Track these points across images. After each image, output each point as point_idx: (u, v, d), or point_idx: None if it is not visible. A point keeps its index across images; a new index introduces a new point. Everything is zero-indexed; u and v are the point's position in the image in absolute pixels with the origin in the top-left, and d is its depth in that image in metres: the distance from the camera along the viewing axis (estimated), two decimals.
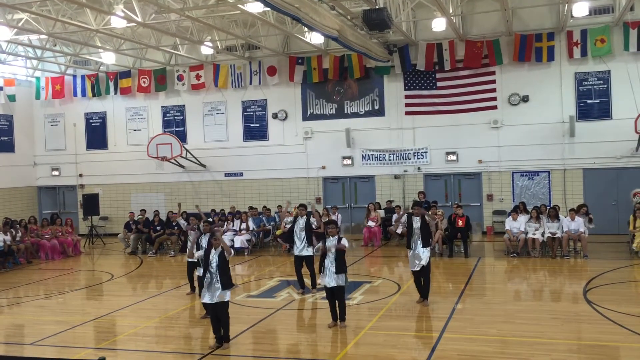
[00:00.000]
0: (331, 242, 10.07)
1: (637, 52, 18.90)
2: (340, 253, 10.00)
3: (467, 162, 20.91)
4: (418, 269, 11.27)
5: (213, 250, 9.15)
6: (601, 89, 19.64)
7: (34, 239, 19.21)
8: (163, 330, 10.47)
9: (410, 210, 11.52)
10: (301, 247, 12.52)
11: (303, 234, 12.50)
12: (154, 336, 10.15)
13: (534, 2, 18.93)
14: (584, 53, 19.46)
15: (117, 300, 12.88)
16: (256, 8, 15.61)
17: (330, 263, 9.95)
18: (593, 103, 19.73)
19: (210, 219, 12.16)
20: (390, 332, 9.78)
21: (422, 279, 11.43)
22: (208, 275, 9.06)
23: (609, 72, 19.50)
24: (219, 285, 9.01)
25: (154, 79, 23.76)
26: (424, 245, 11.24)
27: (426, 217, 11.43)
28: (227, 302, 9.16)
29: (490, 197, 20.82)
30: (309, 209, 13.54)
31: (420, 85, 21.23)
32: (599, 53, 19.33)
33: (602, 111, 19.64)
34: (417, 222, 11.35)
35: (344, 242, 10.14)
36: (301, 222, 12.60)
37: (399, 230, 18.84)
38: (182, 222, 15.07)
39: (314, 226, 13.12)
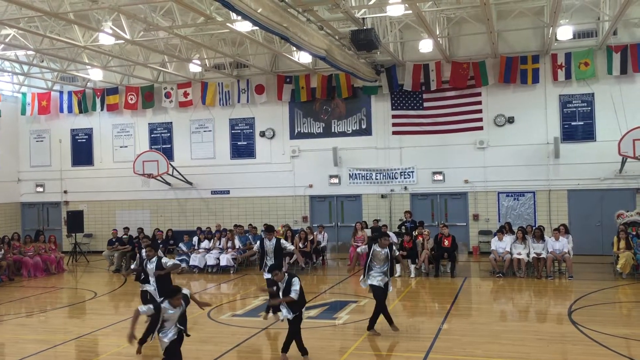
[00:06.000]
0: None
1: (620, 75, 19.21)
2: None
3: (453, 182, 21.03)
4: (382, 284, 10.54)
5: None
6: (585, 111, 19.90)
7: (16, 256, 18.93)
8: (146, 350, 10.30)
9: (376, 242, 10.68)
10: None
11: (272, 255, 11.89)
12: (137, 356, 9.99)
13: (520, 25, 19.22)
14: (568, 76, 19.74)
15: (100, 319, 12.70)
16: (245, 27, 15.68)
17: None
18: (577, 125, 19.97)
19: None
20: (376, 352, 9.73)
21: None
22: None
23: (592, 94, 19.78)
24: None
25: (141, 96, 23.72)
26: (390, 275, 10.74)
27: (394, 248, 10.77)
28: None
29: (476, 217, 20.91)
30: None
31: (407, 105, 21.39)
32: (583, 76, 19.62)
33: (586, 133, 19.88)
34: (382, 254, 10.65)
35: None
36: (269, 244, 11.98)
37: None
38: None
39: (288, 248, 12.37)
